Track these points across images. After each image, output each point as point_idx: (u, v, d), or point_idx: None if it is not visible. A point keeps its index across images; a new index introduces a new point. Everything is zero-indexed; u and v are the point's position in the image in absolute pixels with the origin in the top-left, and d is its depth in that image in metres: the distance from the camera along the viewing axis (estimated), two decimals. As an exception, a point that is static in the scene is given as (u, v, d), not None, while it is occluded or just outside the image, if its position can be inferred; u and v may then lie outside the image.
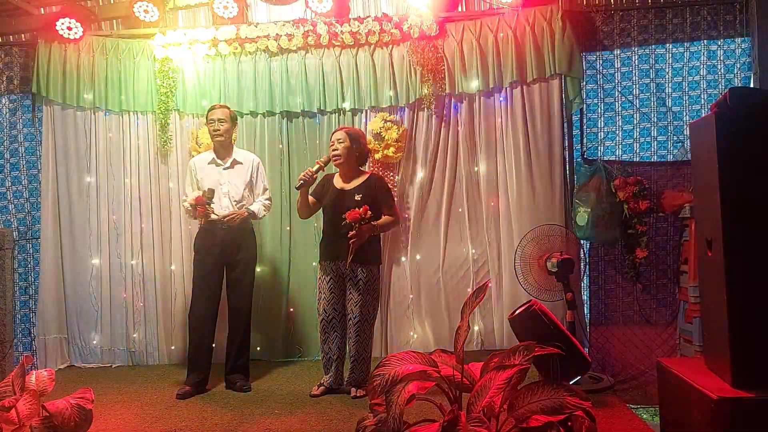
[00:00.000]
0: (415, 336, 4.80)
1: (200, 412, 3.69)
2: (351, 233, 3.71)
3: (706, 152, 2.72)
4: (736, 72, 4.60)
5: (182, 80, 4.94)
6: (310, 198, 4.00)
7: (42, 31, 4.96)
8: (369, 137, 4.64)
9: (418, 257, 4.82)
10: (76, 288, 4.97)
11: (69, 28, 4.83)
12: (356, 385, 3.86)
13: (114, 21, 5.18)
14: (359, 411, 3.32)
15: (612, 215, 4.42)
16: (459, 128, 4.81)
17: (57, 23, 4.78)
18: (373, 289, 3.88)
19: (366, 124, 4.82)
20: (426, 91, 4.72)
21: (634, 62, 4.69)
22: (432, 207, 4.82)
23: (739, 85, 4.55)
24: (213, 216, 4.04)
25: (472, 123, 4.80)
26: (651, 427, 3.29)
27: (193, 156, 4.69)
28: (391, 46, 4.80)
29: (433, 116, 4.80)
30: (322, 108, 4.87)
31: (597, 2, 4.72)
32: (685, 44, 4.64)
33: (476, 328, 4.74)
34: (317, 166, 3.89)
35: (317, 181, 3.98)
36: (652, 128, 4.69)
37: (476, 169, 4.79)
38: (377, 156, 4.72)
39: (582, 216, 4.43)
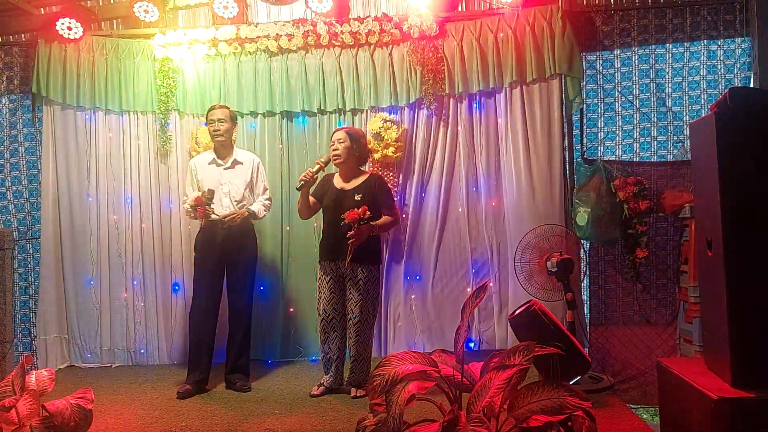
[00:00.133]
0: (415, 336, 4.80)
1: (200, 412, 3.69)
2: (350, 233, 3.71)
3: (706, 152, 2.72)
4: (736, 72, 4.60)
5: (182, 80, 4.94)
6: (311, 198, 4.00)
7: (42, 31, 4.97)
8: (369, 137, 4.64)
9: (417, 257, 4.82)
10: (76, 288, 4.98)
11: (69, 28, 4.83)
12: (356, 385, 3.86)
13: (114, 21, 5.19)
14: (359, 411, 3.32)
15: (612, 215, 4.42)
16: (459, 128, 4.81)
17: (57, 23, 4.79)
18: (373, 289, 3.88)
19: (366, 124, 4.82)
20: (426, 91, 4.72)
21: (634, 62, 4.69)
22: (431, 207, 4.82)
23: (739, 85, 4.55)
24: (213, 216, 4.04)
25: (471, 123, 4.80)
26: (651, 427, 3.29)
27: (192, 156, 4.69)
28: (391, 46, 4.80)
29: (433, 116, 4.80)
30: (322, 108, 4.87)
31: (597, 2, 4.72)
32: (685, 44, 4.64)
33: (476, 328, 4.74)
34: (317, 166, 3.89)
35: (317, 182, 3.98)
36: (652, 128, 4.69)
37: (476, 169, 4.79)
38: (377, 156, 4.72)
39: (582, 216, 4.43)
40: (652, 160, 4.66)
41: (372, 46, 4.81)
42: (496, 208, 4.76)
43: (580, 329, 4.33)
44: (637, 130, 4.71)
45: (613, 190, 4.44)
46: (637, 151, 4.70)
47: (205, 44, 4.88)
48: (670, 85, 4.67)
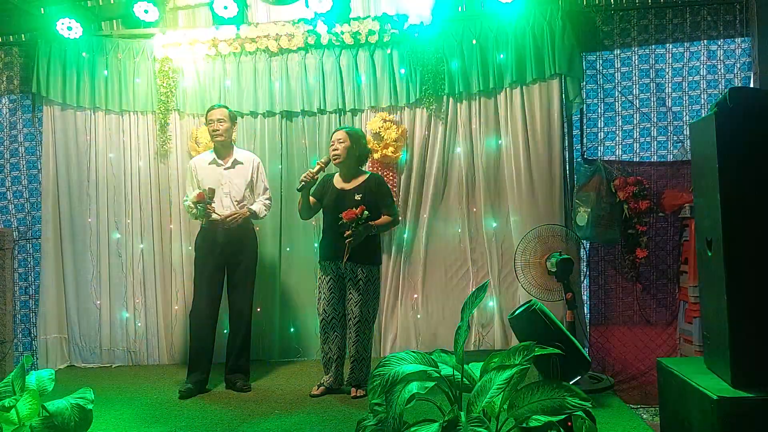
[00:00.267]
0: (415, 336, 4.80)
1: (200, 411, 3.69)
2: (347, 233, 3.71)
3: (706, 152, 2.72)
4: (736, 72, 4.60)
5: (182, 80, 4.94)
6: (311, 198, 4.00)
7: (42, 31, 4.96)
8: (368, 137, 4.64)
9: (417, 257, 4.82)
10: (76, 288, 4.97)
11: (69, 28, 4.83)
12: (356, 385, 3.87)
13: (114, 21, 5.18)
14: (359, 411, 3.33)
15: (612, 215, 4.42)
16: (458, 128, 4.81)
17: (57, 23, 4.78)
18: (372, 289, 3.88)
19: (366, 124, 4.82)
20: (426, 91, 4.72)
21: (634, 62, 4.69)
22: (431, 207, 4.82)
23: (739, 85, 4.55)
24: (214, 216, 4.04)
25: (471, 123, 4.80)
26: (651, 427, 3.29)
27: (192, 156, 4.69)
28: (391, 47, 4.80)
29: (433, 116, 4.80)
30: (322, 108, 4.87)
31: (597, 2, 4.72)
32: (685, 44, 4.64)
33: (476, 328, 4.74)
34: (318, 167, 3.88)
35: (318, 182, 3.98)
36: (652, 128, 4.68)
37: (475, 169, 4.79)
38: (376, 156, 4.72)
39: (582, 216, 4.43)
40: (652, 160, 4.66)
41: (372, 46, 4.81)
42: (496, 208, 4.76)
43: (580, 329, 4.33)
44: (637, 130, 4.70)
45: (613, 190, 4.44)
46: (637, 151, 4.70)
47: (205, 44, 4.88)
48: (670, 85, 4.67)
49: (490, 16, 4.75)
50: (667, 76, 4.67)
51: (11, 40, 5.17)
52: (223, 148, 4.21)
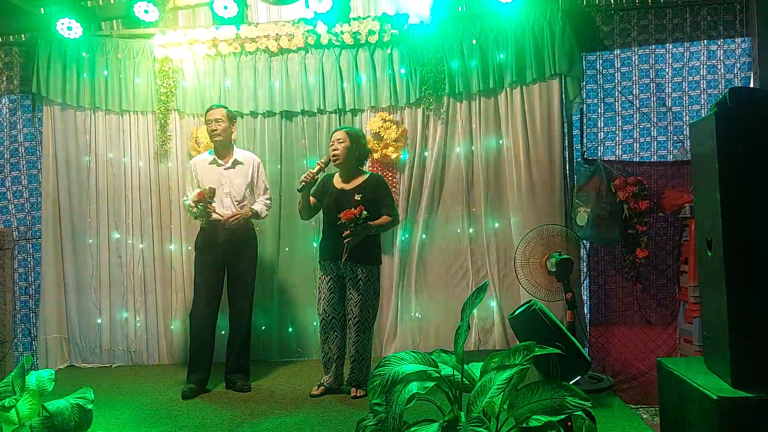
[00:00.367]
0: (415, 336, 4.80)
1: (200, 411, 3.69)
2: (345, 233, 3.71)
3: (706, 152, 2.72)
4: (736, 72, 4.60)
5: (182, 80, 4.94)
6: (311, 198, 4.00)
7: (42, 31, 4.96)
8: (368, 137, 4.64)
9: (417, 256, 4.82)
10: (77, 288, 4.97)
11: (69, 28, 4.83)
12: (356, 385, 3.86)
13: (114, 21, 5.18)
14: (359, 411, 3.33)
15: (612, 215, 4.42)
16: (458, 128, 4.81)
17: (57, 23, 4.78)
18: (372, 289, 3.88)
19: (366, 124, 4.82)
20: (426, 91, 4.72)
21: (634, 62, 4.69)
22: (431, 207, 4.82)
23: (739, 85, 4.55)
24: (214, 215, 4.04)
25: (471, 123, 4.80)
26: (651, 427, 3.29)
27: (192, 156, 4.69)
28: (391, 46, 4.80)
29: (433, 116, 4.80)
30: (322, 108, 4.87)
31: (597, 2, 4.72)
32: (685, 44, 4.64)
33: (476, 328, 4.74)
34: (318, 167, 3.89)
35: (318, 182, 3.98)
36: (652, 128, 4.69)
37: (475, 169, 4.79)
38: (376, 156, 4.72)
39: (582, 216, 4.43)
40: (652, 160, 4.66)
41: (372, 46, 4.81)
42: (496, 208, 4.76)
43: (580, 329, 4.33)
44: (637, 130, 4.70)
45: (613, 190, 4.44)
46: (637, 151, 4.70)
47: (205, 44, 4.88)
48: (670, 85, 4.67)
49: (490, 16, 4.75)
50: (667, 76, 4.67)
51: (11, 40, 5.17)
52: (222, 148, 4.21)
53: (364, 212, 3.71)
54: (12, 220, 5.08)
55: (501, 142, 4.76)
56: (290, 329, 4.93)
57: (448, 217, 4.83)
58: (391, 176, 4.78)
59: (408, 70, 4.78)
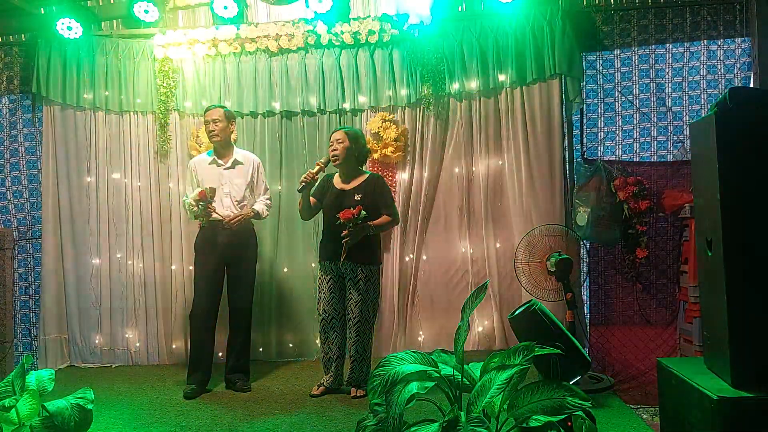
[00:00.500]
0: (416, 336, 4.80)
1: (200, 411, 3.69)
2: (344, 232, 3.71)
3: (706, 152, 2.72)
4: (736, 72, 4.60)
5: (182, 80, 4.94)
6: (311, 198, 4.00)
7: (42, 31, 4.96)
8: (368, 137, 4.64)
9: (416, 257, 4.82)
10: (77, 288, 4.97)
11: (69, 28, 4.83)
12: (356, 385, 3.86)
13: (114, 21, 5.18)
14: (359, 411, 3.33)
15: (612, 215, 4.42)
16: (458, 128, 4.81)
17: (57, 23, 4.78)
18: (372, 289, 3.88)
19: (366, 124, 4.82)
20: (426, 91, 4.72)
21: (634, 62, 4.69)
22: (431, 207, 4.83)
23: (739, 85, 4.55)
24: (215, 215, 4.04)
25: (471, 123, 4.80)
26: (651, 427, 3.29)
27: (192, 156, 4.69)
28: (391, 46, 4.80)
29: (433, 116, 4.80)
30: (322, 108, 4.87)
31: (597, 2, 4.72)
32: (685, 44, 4.64)
33: (476, 328, 4.74)
34: (318, 167, 3.88)
35: (318, 182, 3.98)
36: (652, 128, 4.68)
37: (475, 169, 4.79)
38: (376, 156, 4.72)
39: (582, 216, 4.43)
40: (652, 160, 4.66)
41: (372, 46, 4.81)
42: (495, 208, 4.76)
43: (580, 329, 4.33)
44: (637, 130, 4.70)
45: (613, 190, 4.44)
46: (637, 151, 4.70)
47: (205, 44, 4.88)
48: (670, 85, 4.67)
49: (490, 16, 4.75)
50: (667, 76, 4.67)
51: (11, 40, 5.17)
52: (222, 148, 4.20)
53: (363, 212, 3.72)
54: (12, 220, 5.08)
55: (501, 142, 4.76)
56: (290, 329, 4.92)
57: (447, 217, 4.82)
58: (391, 176, 4.78)
59: (408, 70, 4.78)
